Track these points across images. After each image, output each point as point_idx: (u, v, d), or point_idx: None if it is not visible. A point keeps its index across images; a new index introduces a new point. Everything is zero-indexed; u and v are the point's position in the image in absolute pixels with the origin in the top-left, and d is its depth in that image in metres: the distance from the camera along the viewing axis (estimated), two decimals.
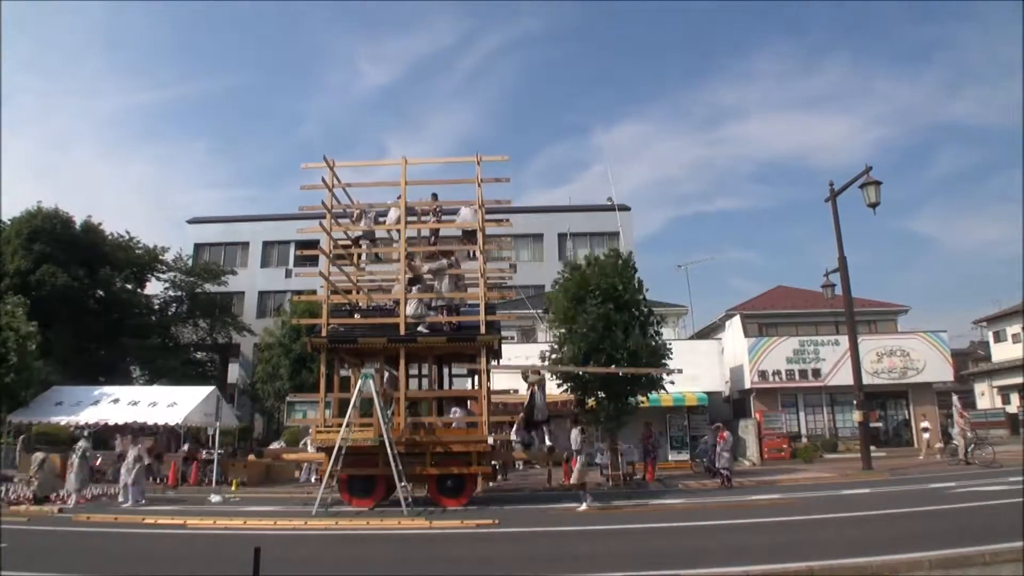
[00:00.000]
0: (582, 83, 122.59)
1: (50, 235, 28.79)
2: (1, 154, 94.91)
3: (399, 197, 15.60)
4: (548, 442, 14.28)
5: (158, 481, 18.89)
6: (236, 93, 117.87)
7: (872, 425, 24.52)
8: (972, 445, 20.49)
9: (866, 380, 22.09)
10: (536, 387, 14.02)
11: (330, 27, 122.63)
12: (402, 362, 14.43)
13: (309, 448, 17.30)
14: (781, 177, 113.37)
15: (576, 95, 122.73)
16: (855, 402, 20.36)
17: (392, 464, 12.43)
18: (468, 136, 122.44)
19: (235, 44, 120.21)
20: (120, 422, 19.35)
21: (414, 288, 15.50)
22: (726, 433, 17.60)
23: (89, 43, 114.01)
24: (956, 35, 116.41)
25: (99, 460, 20.77)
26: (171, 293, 35.28)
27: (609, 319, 17.48)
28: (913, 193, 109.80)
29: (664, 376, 18.36)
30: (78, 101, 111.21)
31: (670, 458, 25.07)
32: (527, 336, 29.78)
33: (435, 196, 16.43)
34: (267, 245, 40.58)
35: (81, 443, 15.62)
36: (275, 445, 25.18)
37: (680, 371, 18.65)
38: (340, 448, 12.66)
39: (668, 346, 18.85)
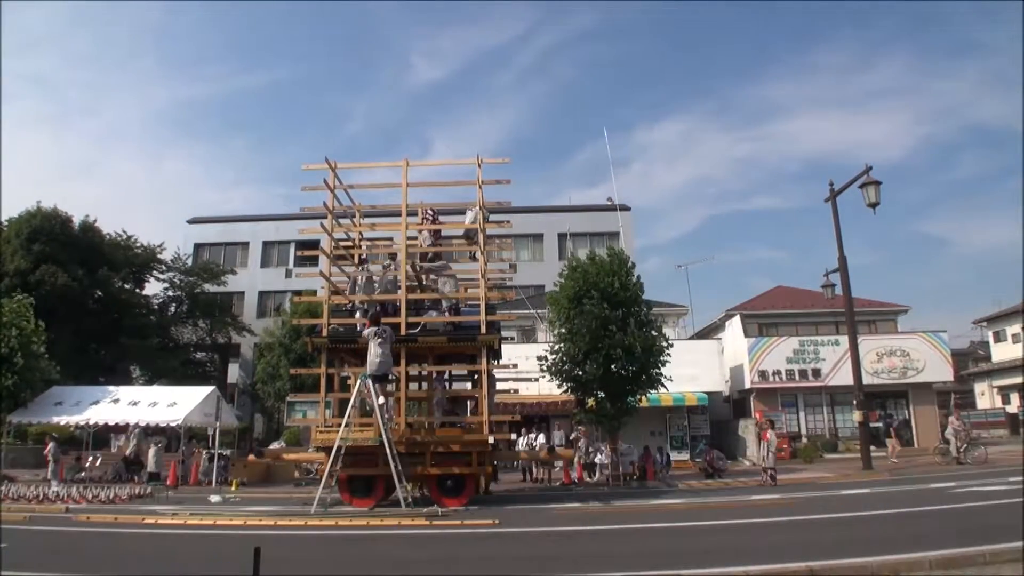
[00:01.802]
0: (632, 80, 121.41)
1: (49, 235, 28.82)
2: (1, 154, 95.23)
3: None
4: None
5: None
6: (284, 89, 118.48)
7: (872, 425, 24.52)
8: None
9: (866, 380, 22.11)
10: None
11: (390, 21, 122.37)
12: (402, 362, 14.43)
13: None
14: (823, 175, 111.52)
15: (624, 92, 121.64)
16: (855, 402, 20.38)
17: (392, 464, 12.43)
18: (513, 133, 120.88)
19: (289, 39, 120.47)
20: (121, 422, 19.37)
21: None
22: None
23: (143, 37, 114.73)
24: (987, 36, 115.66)
25: (99, 460, 20.79)
26: (171, 293, 35.31)
27: (606, 318, 17.48)
28: (940, 193, 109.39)
29: (663, 374, 18.38)
30: (126, 97, 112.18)
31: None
32: (527, 336, 29.78)
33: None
34: (267, 245, 40.60)
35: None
36: (275, 445, 25.20)
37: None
38: (339, 448, 12.67)
39: (666, 344, 18.76)
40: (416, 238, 16.24)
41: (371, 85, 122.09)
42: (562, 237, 38.83)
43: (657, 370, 18.21)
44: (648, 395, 18.95)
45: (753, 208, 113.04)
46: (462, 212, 16.91)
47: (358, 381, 13.33)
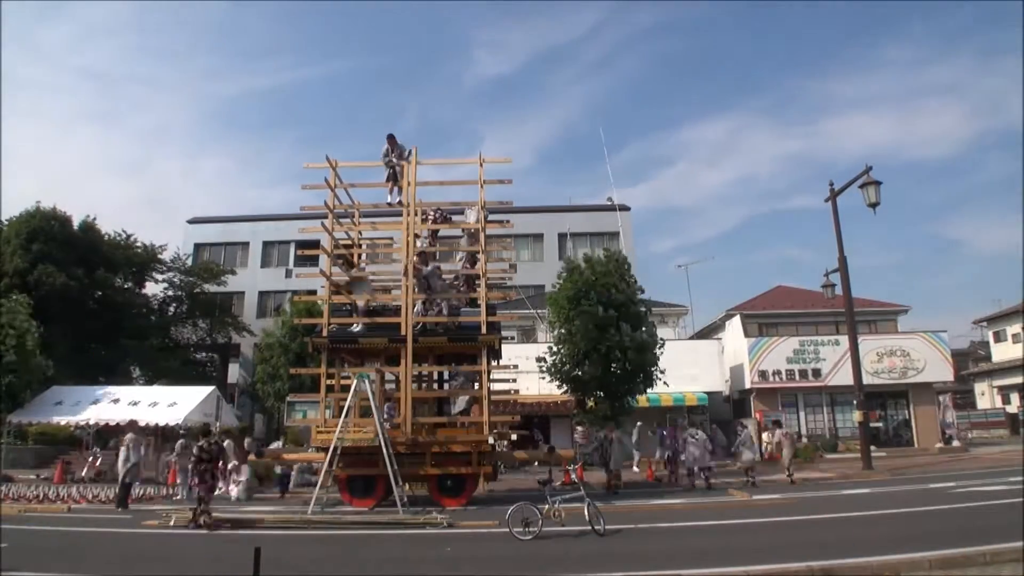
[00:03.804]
0: (685, 76, 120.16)
1: (48, 235, 28.81)
2: (2, 154, 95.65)
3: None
4: None
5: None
6: (340, 84, 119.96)
7: (872, 425, 24.57)
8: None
9: (866, 380, 22.11)
10: None
11: (458, 12, 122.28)
12: (403, 362, 14.41)
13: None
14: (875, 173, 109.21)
15: (676, 89, 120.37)
16: (855, 402, 20.37)
17: (388, 465, 12.42)
18: (565, 132, 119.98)
19: (350, 33, 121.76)
20: (121, 422, 19.34)
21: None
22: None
23: (206, 31, 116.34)
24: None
25: (99, 460, 20.77)
26: (171, 293, 35.31)
27: (603, 319, 17.50)
28: (966, 192, 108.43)
29: (658, 372, 18.40)
30: (179, 93, 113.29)
31: None
32: (527, 336, 29.79)
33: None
34: (267, 245, 40.60)
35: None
36: (275, 445, 25.16)
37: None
38: (336, 448, 12.67)
39: (661, 344, 18.72)
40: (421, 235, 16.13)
41: (430, 80, 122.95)
42: (562, 237, 38.81)
43: (654, 368, 18.21)
44: (648, 395, 18.96)
45: (791, 207, 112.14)
46: (463, 212, 16.91)
47: (356, 381, 13.33)
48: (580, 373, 18.15)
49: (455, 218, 17.35)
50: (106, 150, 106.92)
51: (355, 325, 14.97)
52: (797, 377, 26.63)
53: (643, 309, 18.87)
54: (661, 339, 19.09)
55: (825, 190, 19.12)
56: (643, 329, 18.36)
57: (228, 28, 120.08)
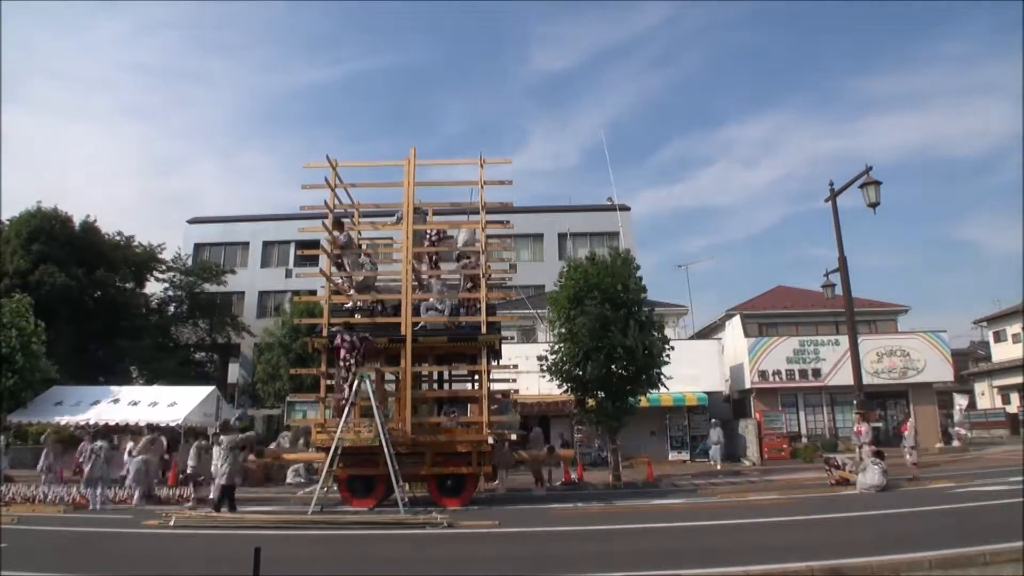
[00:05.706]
0: (735, 74, 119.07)
1: (49, 235, 28.84)
2: (1, 153, 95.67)
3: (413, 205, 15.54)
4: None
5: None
6: (391, 78, 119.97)
7: (872, 425, 24.53)
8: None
9: (866, 380, 22.07)
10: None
11: (515, 7, 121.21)
12: (405, 362, 14.41)
13: None
14: (908, 170, 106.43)
15: (725, 85, 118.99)
16: (855, 402, 20.35)
17: (388, 465, 12.42)
18: (613, 131, 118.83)
19: (404, 27, 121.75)
20: (120, 422, 19.35)
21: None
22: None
23: (257, 26, 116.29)
24: None
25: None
26: (170, 293, 35.32)
27: (607, 319, 17.46)
28: (983, 193, 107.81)
29: (663, 373, 18.38)
30: (225, 88, 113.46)
31: (670, 457, 25.13)
32: (527, 336, 29.78)
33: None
34: (267, 245, 40.64)
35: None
36: (275, 445, 25.15)
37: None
38: (336, 448, 12.68)
39: (667, 346, 18.72)
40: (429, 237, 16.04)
41: (481, 77, 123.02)
42: (562, 237, 38.83)
43: (658, 370, 18.21)
44: (648, 395, 18.96)
45: (822, 207, 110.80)
46: (464, 213, 16.88)
47: (355, 381, 13.33)
48: (581, 373, 18.14)
49: (455, 218, 17.34)
50: (144, 146, 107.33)
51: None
52: (797, 377, 26.63)
53: (648, 309, 18.86)
54: (670, 343, 19.03)
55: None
56: (653, 332, 18.35)
57: (280, 24, 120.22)
